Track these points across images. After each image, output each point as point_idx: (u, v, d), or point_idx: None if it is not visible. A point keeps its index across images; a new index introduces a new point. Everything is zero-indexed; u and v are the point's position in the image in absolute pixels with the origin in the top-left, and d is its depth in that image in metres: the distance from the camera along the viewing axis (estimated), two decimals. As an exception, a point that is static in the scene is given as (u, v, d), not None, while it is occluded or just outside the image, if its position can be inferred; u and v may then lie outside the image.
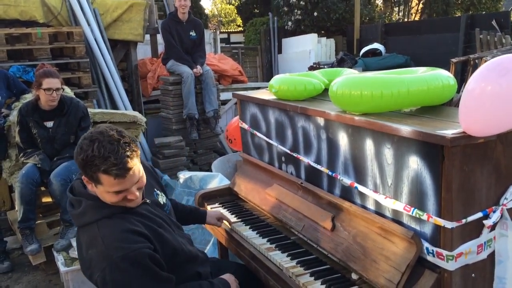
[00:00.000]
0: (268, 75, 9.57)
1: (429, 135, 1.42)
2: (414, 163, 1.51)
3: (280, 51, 9.97)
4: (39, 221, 3.46)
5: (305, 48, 9.09)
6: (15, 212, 3.64)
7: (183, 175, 3.60)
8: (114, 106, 5.68)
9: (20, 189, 3.22)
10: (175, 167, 5.17)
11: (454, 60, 3.81)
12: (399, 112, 1.78)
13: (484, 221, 1.47)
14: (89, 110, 3.88)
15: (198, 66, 5.31)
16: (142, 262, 1.55)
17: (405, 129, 1.50)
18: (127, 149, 1.55)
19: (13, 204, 4.00)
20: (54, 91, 3.27)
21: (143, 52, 7.19)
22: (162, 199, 1.89)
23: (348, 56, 7.55)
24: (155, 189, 1.90)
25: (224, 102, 6.69)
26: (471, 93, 1.37)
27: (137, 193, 1.62)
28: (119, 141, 1.55)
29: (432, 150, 1.44)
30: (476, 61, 3.75)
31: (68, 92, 4.26)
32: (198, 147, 5.65)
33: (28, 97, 3.77)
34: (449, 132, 1.40)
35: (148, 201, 1.76)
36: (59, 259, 3.14)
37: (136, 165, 1.58)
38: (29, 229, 3.29)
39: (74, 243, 3.20)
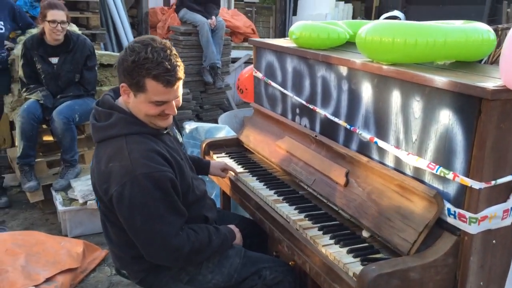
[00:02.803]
0: (280, 36, 9.30)
1: (468, 86, 1.29)
2: (446, 117, 1.39)
3: (295, 13, 9.66)
4: (39, 160, 3.39)
5: (322, 11, 8.79)
6: (15, 149, 3.57)
7: (189, 126, 3.50)
8: (122, 52, 5.51)
9: (21, 124, 3.13)
10: (180, 119, 5.05)
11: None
12: (431, 65, 1.64)
13: (515, 185, 1.36)
14: (97, 51, 3.74)
15: (213, 17, 5.12)
16: (164, 185, 1.51)
17: (440, 79, 1.37)
18: (178, 60, 1.52)
19: (14, 142, 3.93)
20: (59, 24, 3.13)
21: (154, 0, 6.96)
22: (180, 138, 1.82)
23: (366, 23, 7.30)
24: (174, 127, 1.82)
25: (234, 60, 6.52)
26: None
27: (175, 110, 1.58)
28: (171, 50, 1.51)
29: (468, 104, 1.32)
30: (506, 31, 3.58)
31: (76, 31, 4.11)
32: (204, 102, 5.53)
33: (34, 32, 3.62)
34: (489, 85, 1.28)
35: (171, 133, 1.70)
36: (57, 198, 3.08)
37: (182, 78, 1.55)
38: (29, 166, 3.22)
39: (73, 184, 3.14)
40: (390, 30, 1.57)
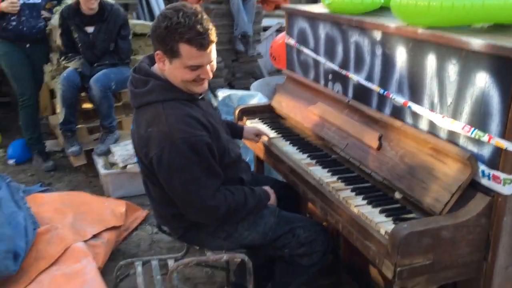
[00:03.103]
0: (313, 3, 9.12)
1: (505, 48, 1.29)
2: (482, 80, 1.40)
3: (326, -22, 9.41)
4: (79, 126, 3.55)
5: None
6: (56, 117, 3.74)
7: (222, 93, 3.55)
8: (154, 21, 5.58)
9: (62, 91, 3.27)
10: (212, 88, 5.11)
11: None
12: (468, 28, 1.62)
13: (551, 147, 1.36)
14: (130, 21, 3.81)
15: (246, -16, 5.09)
16: (201, 150, 1.57)
17: (477, 42, 1.37)
18: (209, 24, 1.55)
19: (54, 109, 4.10)
20: None
21: (185, -32, 6.92)
22: (215, 102, 1.88)
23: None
24: (209, 92, 1.88)
25: (266, 28, 6.47)
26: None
27: (210, 74, 1.61)
28: (202, 15, 1.55)
29: (506, 66, 1.31)
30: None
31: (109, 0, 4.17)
32: (236, 70, 5.56)
33: (70, 1, 3.71)
34: (528, 46, 1.27)
35: (206, 98, 1.76)
36: (99, 162, 3.24)
37: (214, 42, 1.58)
38: (71, 131, 3.38)
39: (113, 149, 3.28)
40: (427, -7, 1.55)
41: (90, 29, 3.42)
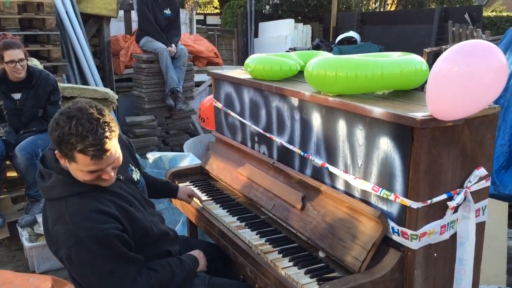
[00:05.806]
0: (243, 58, 9.49)
1: (400, 116, 1.44)
2: (385, 144, 1.54)
3: (256, 35, 9.90)
4: (3, 196, 3.37)
5: (282, 33, 9.06)
6: (-23, 186, 3.54)
7: (152, 155, 3.54)
8: (85, 82, 5.53)
9: (-16, 162, 3.12)
10: (146, 146, 5.10)
11: (427, 50, 3.88)
12: (372, 95, 1.80)
13: (448, 203, 1.51)
14: (59, 84, 3.77)
15: (173, 45, 5.22)
16: (110, 243, 1.52)
17: (378, 110, 1.52)
18: (106, 129, 1.47)
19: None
20: (17, 63, 3.15)
21: (116, 28, 6.99)
22: (136, 175, 1.86)
23: (324, 43, 7.59)
24: (130, 165, 1.86)
25: (198, 84, 6.62)
26: (436, 75, 1.39)
27: (112, 174, 1.57)
28: (99, 120, 1.47)
29: (402, 132, 1.47)
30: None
31: (37, 65, 4.12)
32: (170, 127, 5.59)
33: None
34: (419, 114, 1.43)
35: (121, 177, 1.72)
36: (24, 234, 3.07)
37: (113, 147, 1.51)
38: (-8, 203, 3.20)
39: (39, 219, 3.13)
40: (333, 65, 1.72)
41: (17, 96, 3.32)
